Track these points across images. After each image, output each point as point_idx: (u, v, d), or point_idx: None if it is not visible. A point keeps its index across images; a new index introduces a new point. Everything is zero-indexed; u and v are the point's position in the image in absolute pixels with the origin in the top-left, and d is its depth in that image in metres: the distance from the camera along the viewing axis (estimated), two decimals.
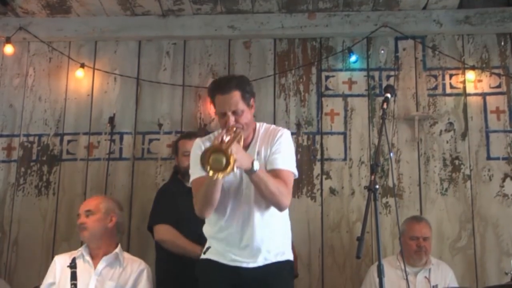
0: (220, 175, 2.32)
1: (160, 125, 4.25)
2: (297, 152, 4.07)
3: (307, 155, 4.14)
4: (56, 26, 4.35)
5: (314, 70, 4.27)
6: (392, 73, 4.23)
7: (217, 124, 3.69)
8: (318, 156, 4.13)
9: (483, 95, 4.16)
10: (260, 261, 2.67)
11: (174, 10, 4.29)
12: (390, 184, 4.02)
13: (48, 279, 3.13)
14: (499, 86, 4.17)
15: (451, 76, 4.21)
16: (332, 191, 4.08)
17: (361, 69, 4.25)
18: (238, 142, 2.53)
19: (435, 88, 4.20)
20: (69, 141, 4.26)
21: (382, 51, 4.26)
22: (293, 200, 2.71)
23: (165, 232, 3.45)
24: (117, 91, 4.32)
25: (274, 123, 4.13)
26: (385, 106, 2.69)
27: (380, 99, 4.05)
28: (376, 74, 4.24)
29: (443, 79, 4.21)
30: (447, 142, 4.10)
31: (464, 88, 4.18)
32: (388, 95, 2.74)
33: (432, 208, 4.01)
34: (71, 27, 4.35)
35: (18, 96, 4.35)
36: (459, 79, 4.19)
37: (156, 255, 3.60)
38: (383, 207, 4.02)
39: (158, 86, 4.30)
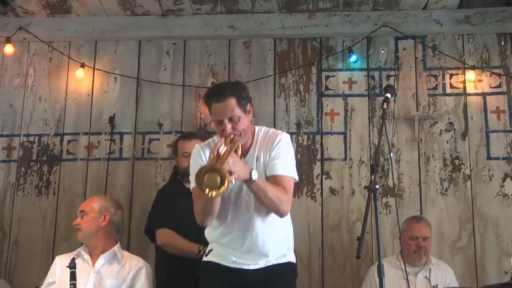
0: (215, 193, 2.32)
1: (160, 125, 4.25)
2: (297, 152, 4.07)
3: (307, 155, 4.14)
4: (56, 26, 4.35)
5: (314, 70, 4.27)
6: (392, 73, 4.23)
7: None
8: (318, 156, 4.13)
9: (483, 95, 4.16)
10: (261, 263, 2.68)
11: (174, 10, 4.29)
12: (390, 184, 4.02)
13: (48, 279, 3.18)
14: (499, 86, 4.17)
15: (451, 76, 4.21)
16: (332, 191, 4.08)
17: (361, 69, 4.25)
18: (236, 151, 2.52)
19: (435, 88, 4.19)
20: (69, 141, 4.26)
21: (382, 51, 4.26)
22: (293, 200, 2.70)
23: (166, 236, 3.44)
24: (117, 91, 4.32)
25: (274, 123, 4.16)
26: (385, 106, 2.69)
27: (380, 99, 4.05)
28: (376, 74, 4.24)
29: (443, 79, 4.20)
30: (447, 142, 4.10)
31: (464, 88, 4.18)
32: (388, 95, 2.75)
33: (432, 208, 4.01)
34: (71, 27, 4.35)
35: (18, 96, 4.35)
36: (459, 79, 4.19)
37: (156, 256, 3.60)
38: (383, 207, 4.02)
39: (158, 86, 4.30)
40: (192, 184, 2.65)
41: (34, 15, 4.34)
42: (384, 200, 4.03)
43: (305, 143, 4.16)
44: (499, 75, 4.17)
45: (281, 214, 2.64)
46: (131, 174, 4.19)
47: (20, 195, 4.18)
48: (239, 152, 2.58)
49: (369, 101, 4.20)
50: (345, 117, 4.19)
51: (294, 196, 2.73)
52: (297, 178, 2.73)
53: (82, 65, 4.29)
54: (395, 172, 4.05)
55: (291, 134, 4.10)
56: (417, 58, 4.25)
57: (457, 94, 4.18)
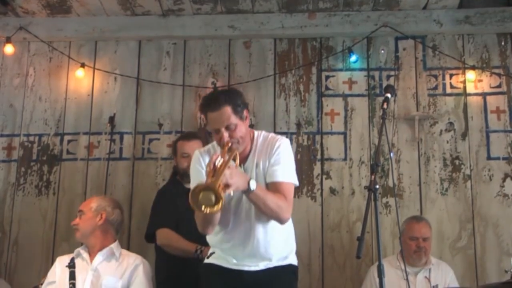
0: (210, 211, 2.32)
1: (160, 125, 4.25)
2: (297, 152, 4.08)
3: (307, 155, 4.14)
4: (56, 26, 4.35)
5: (314, 70, 4.27)
6: (392, 73, 4.23)
7: None
8: (318, 156, 4.13)
9: (483, 95, 4.16)
10: (262, 265, 2.69)
11: (174, 10, 4.29)
12: (390, 184, 4.02)
13: (48, 279, 3.20)
14: (499, 86, 4.17)
15: (451, 76, 4.21)
16: (332, 191, 4.08)
17: (361, 69, 4.25)
18: (234, 159, 2.52)
19: (435, 88, 4.19)
20: (69, 141, 4.26)
21: (382, 51, 4.26)
22: (293, 200, 2.70)
23: (166, 237, 3.44)
24: (117, 91, 4.32)
25: (274, 123, 4.16)
26: (385, 106, 2.69)
27: (380, 99, 4.05)
28: (376, 74, 4.24)
29: (443, 79, 4.20)
30: (447, 142, 4.10)
31: (464, 88, 4.18)
32: (388, 95, 2.74)
33: (432, 208, 4.00)
34: (71, 27, 4.35)
35: (18, 96, 4.35)
36: (459, 79, 4.19)
37: (156, 256, 3.60)
38: (383, 207, 4.02)
39: (158, 86, 4.29)
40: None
41: (34, 15, 4.34)
42: (384, 200, 4.03)
43: (305, 143, 4.16)
44: (499, 75, 4.17)
45: (281, 221, 2.63)
46: (131, 174, 4.19)
47: (20, 195, 4.18)
48: (237, 161, 2.56)
49: (369, 101, 4.20)
50: (345, 117, 4.19)
51: (294, 196, 2.72)
52: (297, 183, 2.72)
53: (82, 65, 4.29)
54: (395, 172, 4.05)
55: (291, 134, 4.13)
56: (417, 58, 4.25)
57: (457, 94, 4.18)
